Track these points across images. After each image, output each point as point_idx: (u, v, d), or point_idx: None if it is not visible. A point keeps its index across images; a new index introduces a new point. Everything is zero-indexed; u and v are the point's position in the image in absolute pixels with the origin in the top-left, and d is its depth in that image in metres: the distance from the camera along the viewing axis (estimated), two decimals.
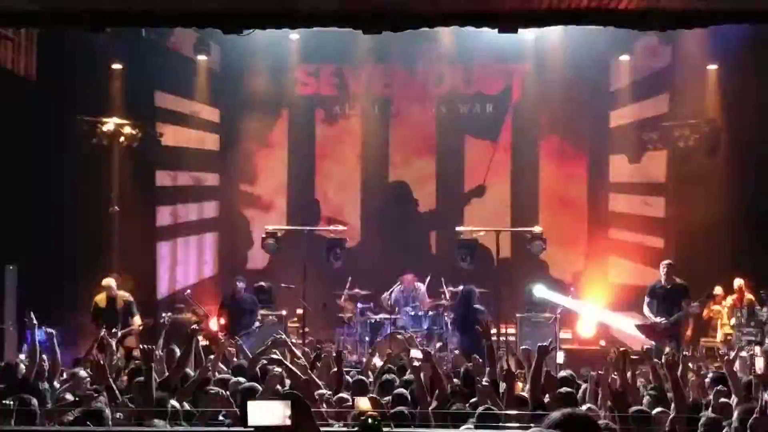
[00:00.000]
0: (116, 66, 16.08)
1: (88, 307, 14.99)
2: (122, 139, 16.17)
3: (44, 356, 9.38)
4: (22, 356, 12.57)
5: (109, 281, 14.14)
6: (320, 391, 8.45)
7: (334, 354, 10.19)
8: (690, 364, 9.72)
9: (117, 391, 8.17)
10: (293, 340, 12.68)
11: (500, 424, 7.17)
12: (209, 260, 17.98)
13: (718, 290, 14.63)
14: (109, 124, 16.01)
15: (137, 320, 13.90)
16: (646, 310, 14.00)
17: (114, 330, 13.02)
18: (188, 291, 15.71)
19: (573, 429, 3.28)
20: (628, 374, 8.62)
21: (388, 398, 8.19)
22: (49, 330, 9.92)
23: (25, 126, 14.55)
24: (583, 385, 9.12)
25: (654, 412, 7.67)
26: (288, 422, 3.94)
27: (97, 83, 15.85)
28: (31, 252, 14.57)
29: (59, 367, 9.76)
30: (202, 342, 14.38)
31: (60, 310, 14.72)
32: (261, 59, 16.88)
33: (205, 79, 17.28)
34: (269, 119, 17.82)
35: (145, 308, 14.68)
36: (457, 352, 13.71)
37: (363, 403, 7.68)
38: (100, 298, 14.01)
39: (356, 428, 5.28)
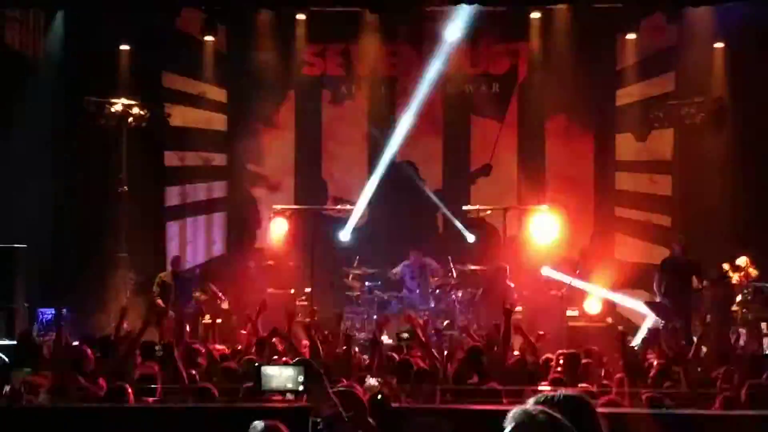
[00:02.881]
0: (124, 47, 16.13)
1: (97, 286, 15.16)
2: (130, 119, 16.23)
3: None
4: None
5: (178, 257, 14.62)
6: None
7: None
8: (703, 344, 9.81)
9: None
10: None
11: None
12: (218, 240, 18.06)
13: (725, 267, 14.70)
14: (117, 104, 16.06)
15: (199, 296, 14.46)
16: (656, 286, 14.09)
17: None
18: (198, 270, 15.85)
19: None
20: None
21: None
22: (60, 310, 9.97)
23: (33, 107, 14.63)
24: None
25: None
26: (300, 387, 4.00)
27: (105, 64, 15.92)
28: (40, 232, 14.67)
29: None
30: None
31: (69, 289, 14.87)
32: (268, 39, 16.91)
33: (213, 59, 17.29)
34: (276, 99, 17.83)
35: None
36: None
37: (371, 383, 7.79)
38: (166, 274, 14.35)
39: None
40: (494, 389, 7.55)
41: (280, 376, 4.06)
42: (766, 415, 6.58)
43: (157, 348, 9.21)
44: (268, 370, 4.09)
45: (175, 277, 14.37)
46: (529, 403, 3.17)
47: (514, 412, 3.08)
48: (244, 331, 11.76)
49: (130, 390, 7.37)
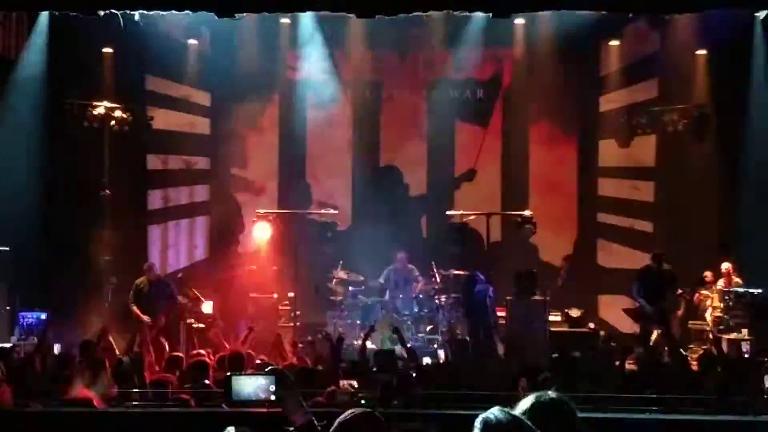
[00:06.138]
0: (107, 50, 16.05)
1: (79, 289, 15.08)
2: (113, 123, 16.13)
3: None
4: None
5: (151, 264, 14.55)
6: None
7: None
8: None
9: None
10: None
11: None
12: (200, 244, 17.99)
13: (707, 274, 14.80)
14: (100, 108, 15.98)
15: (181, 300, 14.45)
16: (635, 294, 14.15)
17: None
18: (181, 274, 15.78)
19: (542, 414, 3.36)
20: None
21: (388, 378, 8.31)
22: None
23: (15, 109, 14.56)
24: None
25: None
26: (272, 397, 3.97)
27: (87, 67, 15.83)
28: (23, 235, 14.57)
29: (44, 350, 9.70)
30: (196, 325, 14.66)
31: (52, 293, 14.79)
32: (252, 43, 16.85)
33: (196, 62, 17.20)
34: (260, 103, 17.79)
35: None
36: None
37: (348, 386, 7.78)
38: (142, 281, 14.30)
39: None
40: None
41: (251, 385, 4.02)
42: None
43: (124, 360, 9.11)
44: (239, 380, 4.04)
45: (151, 284, 14.29)
46: (494, 408, 3.21)
47: (480, 417, 3.17)
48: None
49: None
